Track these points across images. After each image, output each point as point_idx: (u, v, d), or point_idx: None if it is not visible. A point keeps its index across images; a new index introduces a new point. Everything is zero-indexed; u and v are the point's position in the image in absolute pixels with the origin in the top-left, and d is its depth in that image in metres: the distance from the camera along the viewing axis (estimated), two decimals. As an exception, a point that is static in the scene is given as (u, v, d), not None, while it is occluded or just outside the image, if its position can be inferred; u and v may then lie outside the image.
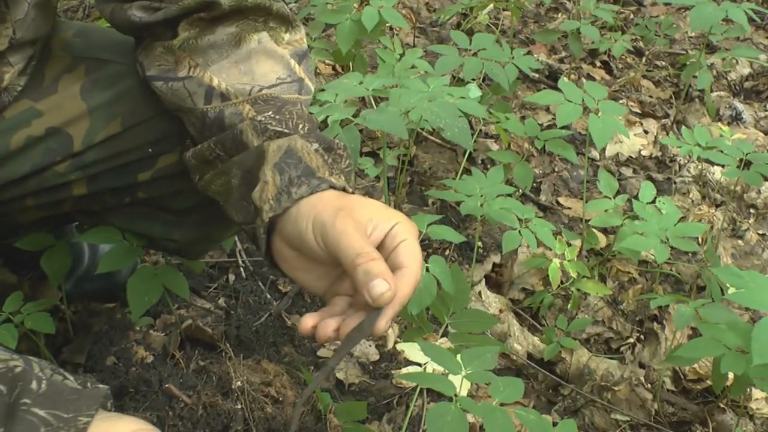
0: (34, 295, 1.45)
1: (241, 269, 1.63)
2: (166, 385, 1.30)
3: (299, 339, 1.49)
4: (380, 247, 0.82)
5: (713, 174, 2.09)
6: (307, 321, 0.81)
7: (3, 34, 0.95)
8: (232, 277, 1.62)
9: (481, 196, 1.49)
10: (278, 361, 1.43)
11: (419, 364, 1.21)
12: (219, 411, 1.27)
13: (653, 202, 1.57)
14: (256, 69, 0.98)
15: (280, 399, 1.32)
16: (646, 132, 2.27)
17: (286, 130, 0.93)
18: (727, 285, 1.36)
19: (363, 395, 1.41)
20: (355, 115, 1.38)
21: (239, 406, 1.27)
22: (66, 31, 1.12)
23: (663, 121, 2.33)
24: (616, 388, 1.41)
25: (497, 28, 2.54)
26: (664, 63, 2.71)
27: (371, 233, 0.82)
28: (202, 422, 1.27)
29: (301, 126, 0.94)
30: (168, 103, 1.02)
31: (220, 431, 1.26)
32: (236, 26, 0.99)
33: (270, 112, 0.95)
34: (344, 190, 0.88)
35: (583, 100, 1.61)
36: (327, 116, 1.40)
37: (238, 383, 1.31)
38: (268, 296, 1.58)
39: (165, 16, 0.98)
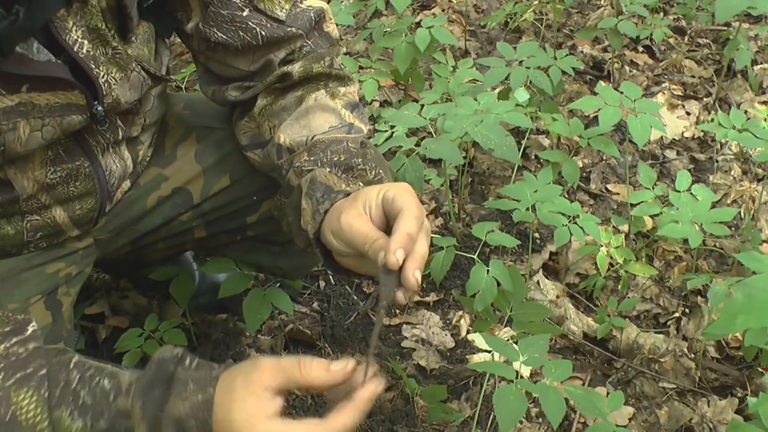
0: (161, 313, 1.74)
1: (330, 276, 1.88)
2: (279, 382, 1.56)
3: (385, 333, 1.74)
4: (387, 215, 0.97)
5: (754, 150, 2.22)
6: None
7: (137, 122, 1.21)
8: (322, 284, 1.87)
9: (534, 198, 1.68)
10: (368, 354, 1.68)
11: (488, 351, 1.44)
12: (324, 399, 1.53)
13: (689, 189, 1.74)
14: (312, 122, 1.17)
15: (374, 387, 1.57)
16: (688, 114, 2.41)
17: (315, 167, 1.10)
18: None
19: (443, 378, 1.65)
20: (417, 144, 1.60)
21: (340, 395, 1.53)
22: (176, 105, 1.37)
23: (705, 100, 2.46)
24: (662, 360, 1.61)
25: (542, 24, 2.70)
26: (706, 40, 2.80)
27: (370, 213, 0.98)
28: (311, 409, 1.53)
29: (336, 158, 1.10)
30: (261, 166, 1.25)
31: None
32: (302, 90, 1.20)
33: (306, 156, 1.12)
34: None
35: (621, 102, 1.79)
36: (391, 146, 1.63)
37: (338, 376, 1.56)
38: (355, 297, 1.83)
39: (253, 93, 1.21)
